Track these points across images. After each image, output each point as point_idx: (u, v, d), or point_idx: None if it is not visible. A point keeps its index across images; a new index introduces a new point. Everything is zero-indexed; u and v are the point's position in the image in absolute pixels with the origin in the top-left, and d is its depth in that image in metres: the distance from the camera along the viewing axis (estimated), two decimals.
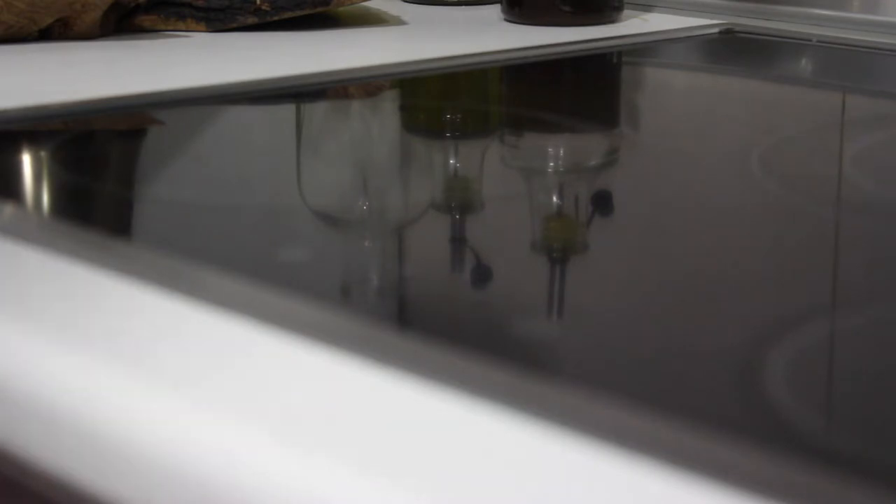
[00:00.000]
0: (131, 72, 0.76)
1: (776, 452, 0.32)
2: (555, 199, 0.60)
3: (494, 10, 0.96)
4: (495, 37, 0.89)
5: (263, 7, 0.87)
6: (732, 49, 0.92)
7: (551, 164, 0.66)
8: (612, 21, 0.94)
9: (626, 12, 0.96)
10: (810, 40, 0.90)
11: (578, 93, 0.84)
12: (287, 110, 0.76)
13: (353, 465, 0.32)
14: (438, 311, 0.46)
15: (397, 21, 0.95)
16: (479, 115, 0.78)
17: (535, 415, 0.34)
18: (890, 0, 0.91)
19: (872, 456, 0.34)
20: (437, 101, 0.80)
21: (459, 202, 0.60)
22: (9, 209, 0.53)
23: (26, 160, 0.63)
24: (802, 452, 0.33)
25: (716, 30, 0.93)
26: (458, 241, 0.54)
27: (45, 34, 0.83)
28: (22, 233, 0.48)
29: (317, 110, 0.77)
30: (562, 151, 0.69)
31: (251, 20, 0.87)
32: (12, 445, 0.38)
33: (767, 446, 0.32)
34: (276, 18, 0.87)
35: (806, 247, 0.52)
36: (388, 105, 0.78)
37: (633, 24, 0.94)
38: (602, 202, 0.60)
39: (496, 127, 0.76)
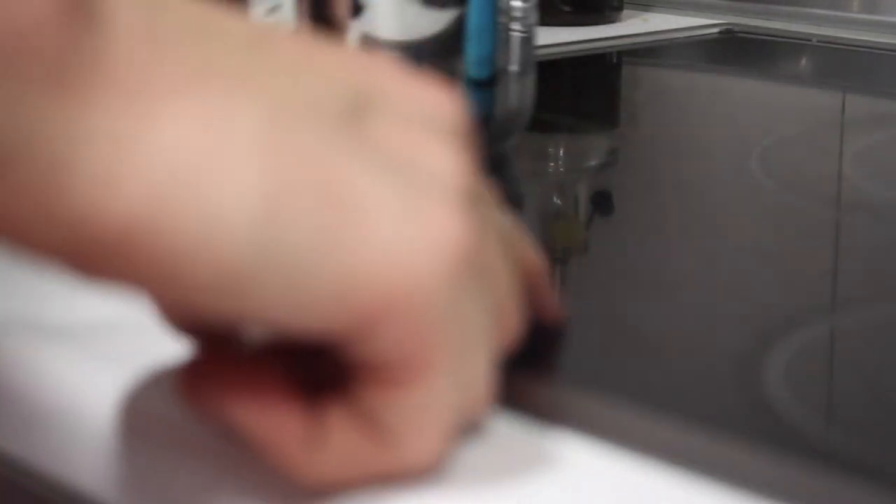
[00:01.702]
0: None
1: (776, 452, 0.32)
2: (555, 199, 0.60)
3: None
4: None
5: None
6: (732, 49, 0.92)
7: (551, 164, 0.66)
8: (612, 21, 0.94)
9: (626, 12, 0.96)
10: (810, 40, 0.90)
11: (578, 93, 0.84)
12: None
13: None
14: None
15: None
16: None
17: (536, 415, 0.34)
18: (890, 0, 0.91)
19: (872, 456, 0.34)
20: None
21: None
22: None
23: None
24: (802, 452, 0.33)
25: (716, 30, 0.93)
26: None
27: None
28: None
29: None
30: (562, 151, 0.69)
31: None
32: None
33: (767, 446, 0.32)
34: None
35: (806, 247, 0.52)
36: None
37: (633, 24, 0.94)
38: (602, 202, 0.60)
39: None
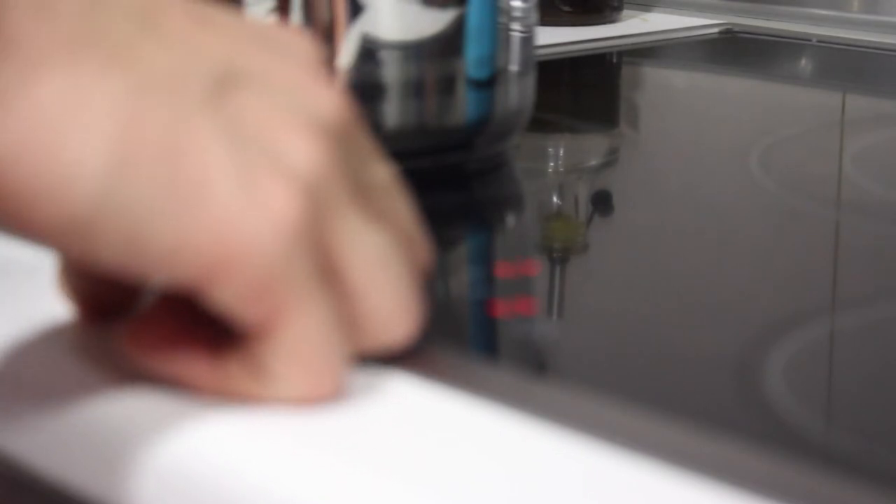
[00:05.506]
0: None
1: (776, 452, 0.32)
2: (555, 199, 0.60)
3: None
4: None
5: None
6: (732, 49, 0.92)
7: (551, 164, 0.66)
8: (612, 21, 0.94)
9: (626, 12, 0.96)
10: (810, 40, 0.90)
11: (578, 93, 0.84)
12: None
13: None
14: (435, 313, 0.46)
15: None
16: None
17: (536, 415, 0.34)
18: (890, 0, 0.91)
19: (872, 456, 0.34)
20: None
21: None
22: None
23: None
24: (802, 452, 0.33)
25: (716, 30, 0.93)
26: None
27: None
28: None
29: None
30: (562, 151, 0.69)
31: None
32: None
33: (767, 446, 0.32)
34: None
35: (806, 247, 0.52)
36: None
37: (633, 24, 0.94)
38: (602, 202, 0.60)
39: None
